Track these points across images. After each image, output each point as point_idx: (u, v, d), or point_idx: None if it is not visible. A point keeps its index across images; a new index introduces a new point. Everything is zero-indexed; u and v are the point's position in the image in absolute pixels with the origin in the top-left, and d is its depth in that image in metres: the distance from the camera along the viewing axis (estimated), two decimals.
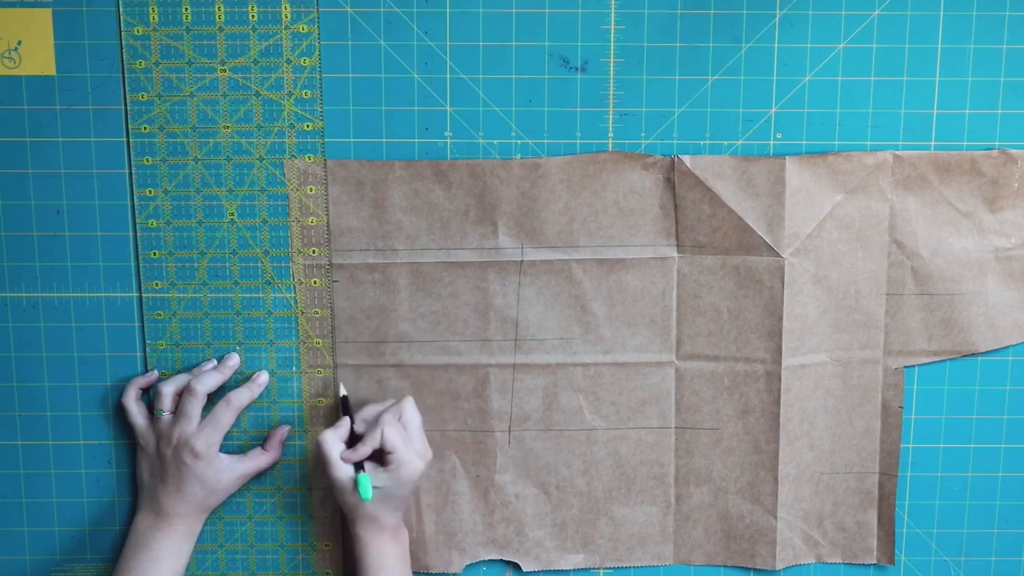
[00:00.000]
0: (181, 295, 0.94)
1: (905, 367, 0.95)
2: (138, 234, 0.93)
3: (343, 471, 0.89)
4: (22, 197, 0.93)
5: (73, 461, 0.96)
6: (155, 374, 0.95)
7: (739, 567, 0.98)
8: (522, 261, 0.93)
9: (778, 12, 0.91)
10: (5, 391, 0.95)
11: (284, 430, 0.95)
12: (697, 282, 0.94)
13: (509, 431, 0.96)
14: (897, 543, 0.98)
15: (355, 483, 0.88)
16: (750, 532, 0.98)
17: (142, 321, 0.94)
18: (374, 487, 0.88)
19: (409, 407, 0.92)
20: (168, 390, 0.92)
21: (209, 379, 0.92)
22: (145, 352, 0.95)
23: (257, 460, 0.95)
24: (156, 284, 0.94)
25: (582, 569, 0.98)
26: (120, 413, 0.94)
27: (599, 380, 0.95)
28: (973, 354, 0.95)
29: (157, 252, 0.93)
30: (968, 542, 0.99)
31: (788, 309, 0.93)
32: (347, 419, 0.92)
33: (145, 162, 0.92)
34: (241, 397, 0.93)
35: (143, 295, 0.94)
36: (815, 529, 0.98)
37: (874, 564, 0.98)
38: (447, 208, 0.93)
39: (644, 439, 0.96)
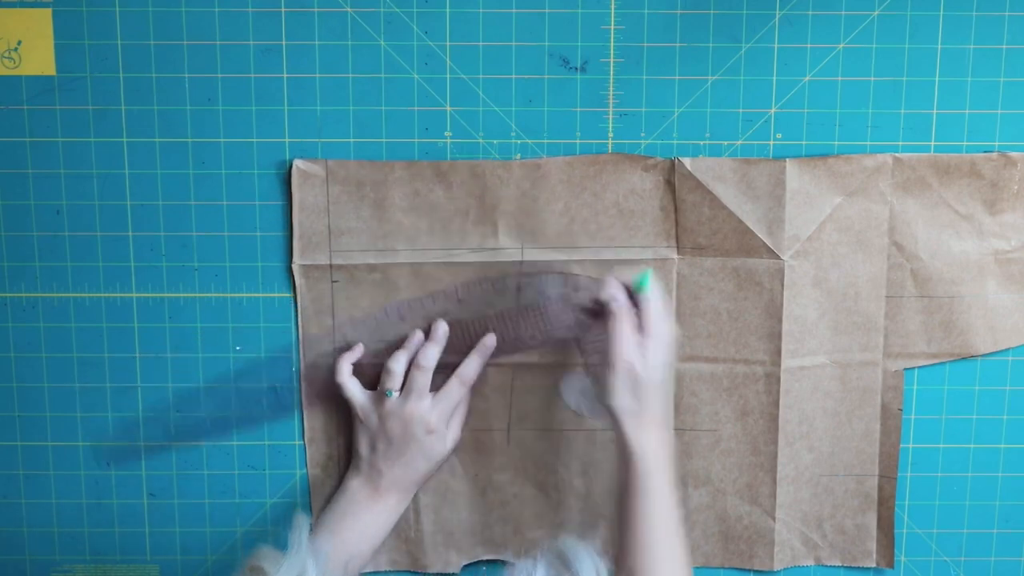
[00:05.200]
0: (176, 295, 0.94)
1: (904, 369, 0.95)
2: (132, 236, 0.93)
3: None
4: (22, 197, 0.93)
5: (72, 462, 0.96)
6: (361, 347, 0.94)
7: (737, 568, 0.99)
8: (522, 262, 0.93)
9: (778, 12, 0.91)
10: (5, 391, 0.95)
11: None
12: (697, 284, 0.94)
13: (508, 430, 0.96)
14: (897, 543, 0.98)
15: None
16: (748, 533, 0.98)
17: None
18: None
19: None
20: (398, 369, 0.91)
21: (431, 352, 0.91)
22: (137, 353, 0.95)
23: (461, 410, 0.94)
24: (151, 287, 0.94)
25: None
26: (119, 410, 0.95)
27: None
28: (972, 357, 0.95)
29: (152, 255, 0.93)
30: (968, 542, 0.99)
31: (788, 311, 0.93)
32: None
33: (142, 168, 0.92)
34: (470, 370, 0.92)
35: (136, 295, 0.94)
36: (814, 531, 0.98)
37: (873, 567, 0.99)
38: (447, 208, 0.93)
39: None
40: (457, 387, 0.92)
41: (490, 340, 0.93)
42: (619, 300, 0.86)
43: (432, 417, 0.91)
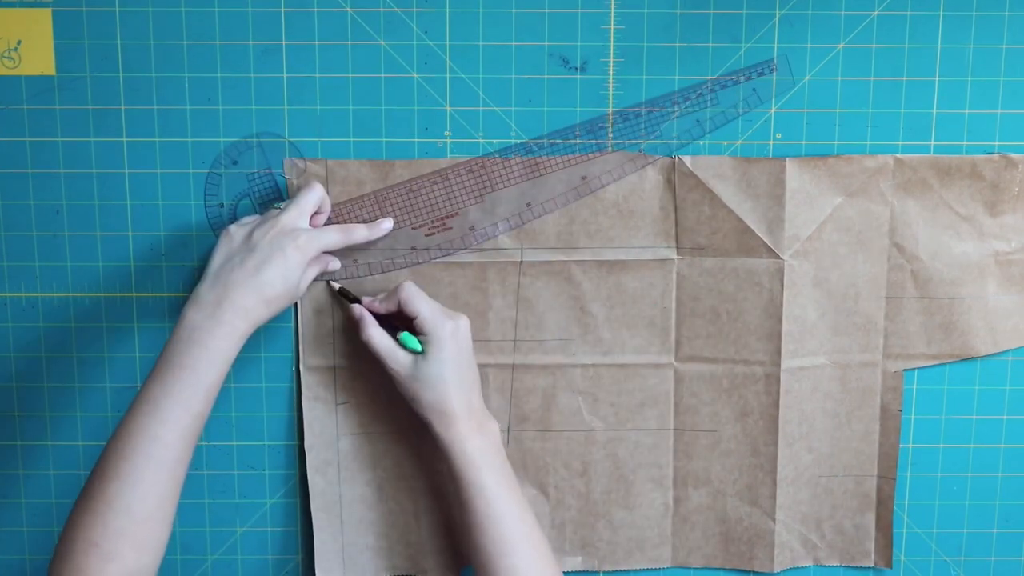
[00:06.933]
0: (175, 295, 0.94)
1: (904, 370, 0.95)
2: (132, 236, 0.93)
3: (380, 336, 0.88)
4: (22, 197, 0.93)
5: (72, 462, 0.96)
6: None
7: (737, 569, 0.99)
8: (522, 262, 0.93)
9: (778, 12, 0.91)
10: (5, 391, 0.95)
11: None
12: (696, 284, 0.94)
13: (508, 431, 0.96)
14: (897, 543, 0.98)
15: (400, 345, 0.88)
16: (748, 535, 0.98)
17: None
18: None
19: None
20: (308, 196, 0.88)
21: (358, 230, 0.90)
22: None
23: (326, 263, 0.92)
24: (150, 287, 0.94)
25: (581, 571, 0.98)
26: (119, 410, 0.94)
27: (598, 381, 0.95)
28: (972, 358, 0.95)
29: (152, 255, 0.94)
30: (968, 542, 0.99)
31: (787, 311, 0.93)
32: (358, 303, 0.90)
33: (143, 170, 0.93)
34: (357, 230, 0.90)
35: (136, 295, 0.94)
36: (813, 532, 0.98)
37: (872, 567, 0.99)
38: (446, 208, 0.93)
39: (643, 441, 0.96)
40: (335, 233, 0.88)
41: (387, 223, 0.92)
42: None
43: (300, 237, 0.84)
